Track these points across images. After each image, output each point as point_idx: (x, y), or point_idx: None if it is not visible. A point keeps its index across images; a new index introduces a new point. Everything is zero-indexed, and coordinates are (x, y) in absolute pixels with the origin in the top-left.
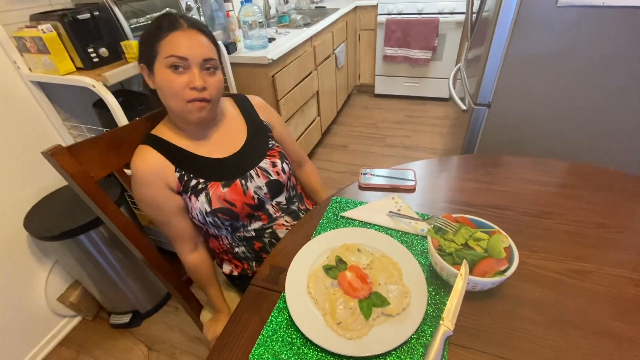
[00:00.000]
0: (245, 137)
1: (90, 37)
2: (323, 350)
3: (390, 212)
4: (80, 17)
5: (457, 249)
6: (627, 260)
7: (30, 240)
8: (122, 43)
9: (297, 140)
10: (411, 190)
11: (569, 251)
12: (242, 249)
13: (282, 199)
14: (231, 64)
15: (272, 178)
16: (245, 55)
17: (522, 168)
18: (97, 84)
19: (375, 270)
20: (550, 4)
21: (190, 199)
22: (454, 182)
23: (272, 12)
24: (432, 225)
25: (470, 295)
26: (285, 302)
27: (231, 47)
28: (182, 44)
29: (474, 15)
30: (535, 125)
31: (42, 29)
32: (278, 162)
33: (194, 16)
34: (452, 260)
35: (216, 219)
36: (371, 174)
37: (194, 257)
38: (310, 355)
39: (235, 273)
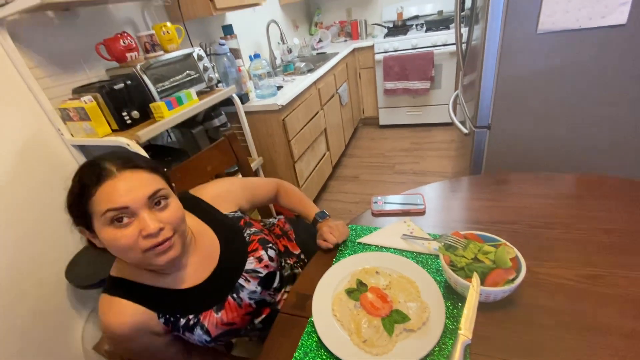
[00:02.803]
0: (219, 244)
1: (123, 102)
2: None
3: (403, 235)
4: (115, 87)
5: (468, 263)
6: (635, 263)
7: (69, 289)
8: (150, 105)
9: (309, 175)
10: (421, 213)
11: (577, 258)
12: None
13: (276, 282)
14: (245, 112)
15: (262, 275)
16: (257, 103)
17: (526, 184)
18: (131, 143)
19: (394, 289)
20: (530, 32)
21: (184, 335)
22: (462, 202)
23: (278, 62)
24: (443, 243)
25: (486, 306)
26: (313, 326)
27: (244, 97)
28: (118, 192)
29: (464, 45)
30: (535, 142)
31: (84, 100)
32: (262, 253)
33: (210, 73)
34: (464, 274)
35: (219, 342)
36: (382, 201)
37: None
38: None
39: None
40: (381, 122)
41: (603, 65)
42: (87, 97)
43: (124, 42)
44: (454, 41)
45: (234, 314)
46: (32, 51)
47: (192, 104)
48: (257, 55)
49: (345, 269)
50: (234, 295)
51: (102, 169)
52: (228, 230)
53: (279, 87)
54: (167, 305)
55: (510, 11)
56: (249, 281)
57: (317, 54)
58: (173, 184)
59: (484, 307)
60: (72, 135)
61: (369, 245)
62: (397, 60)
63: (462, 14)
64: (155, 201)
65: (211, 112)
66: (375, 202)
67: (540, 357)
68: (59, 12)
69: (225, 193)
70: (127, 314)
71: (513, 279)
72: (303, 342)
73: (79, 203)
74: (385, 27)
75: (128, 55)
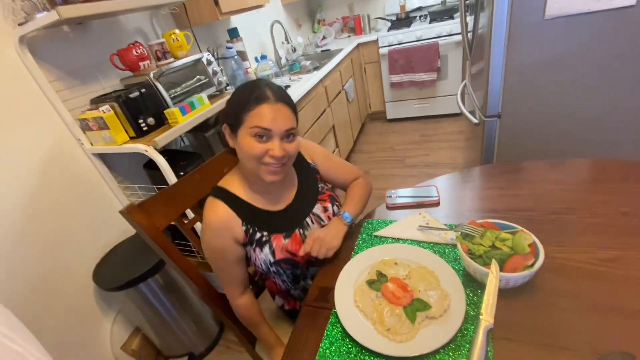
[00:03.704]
0: (297, 185)
1: (139, 110)
2: (378, 355)
3: (419, 226)
4: (131, 95)
5: (486, 251)
6: None
7: (97, 292)
8: (165, 111)
9: None
10: (436, 204)
11: (596, 241)
12: (298, 292)
13: None
14: None
15: (324, 224)
16: None
17: (540, 171)
18: (148, 149)
19: (413, 279)
20: (538, 17)
21: (254, 251)
22: (476, 192)
23: (283, 61)
24: (460, 233)
25: (506, 293)
26: (336, 317)
27: None
28: (268, 116)
29: (470, 34)
30: (548, 129)
31: (103, 110)
32: (329, 206)
33: (219, 76)
34: (483, 262)
35: (279, 268)
36: (396, 195)
37: (244, 300)
38: None
39: (287, 308)
40: (389, 116)
41: (614, 48)
42: (105, 107)
43: (136, 52)
44: (459, 31)
45: (297, 247)
46: (50, 65)
47: (204, 108)
48: (263, 57)
49: (364, 261)
50: (301, 230)
51: (264, 94)
52: (307, 174)
53: (286, 87)
54: (250, 218)
55: None
56: (313, 223)
57: (322, 51)
58: (297, 123)
59: (504, 293)
60: (91, 144)
61: (385, 237)
62: (402, 52)
63: (467, 2)
64: (287, 134)
65: None
66: (390, 196)
67: (561, 340)
68: (73, 26)
69: (311, 149)
70: (221, 211)
71: (532, 265)
72: (328, 332)
73: (238, 110)
74: (388, 20)
75: (141, 64)
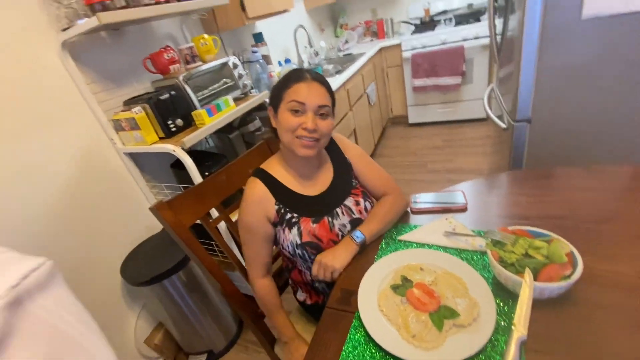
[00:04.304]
0: (332, 176)
1: (169, 111)
2: None
3: (445, 232)
4: (161, 97)
5: (518, 259)
6: None
7: (123, 286)
8: (192, 113)
9: None
10: (463, 210)
11: (638, 253)
12: (322, 285)
13: None
14: None
15: (354, 216)
16: None
17: (576, 177)
18: (176, 149)
19: (440, 286)
20: (574, 18)
21: (283, 231)
22: (506, 198)
23: (306, 65)
24: (490, 239)
25: (540, 304)
26: (359, 320)
27: None
28: (303, 92)
29: (499, 37)
30: (582, 134)
31: (135, 111)
32: (361, 200)
33: (244, 79)
34: (515, 270)
35: (304, 251)
36: (421, 200)
37: (264, 282)
38: None
39: (309, 302)
40: (410, 121)
41: None
42: (137, 108)
43: (167, 56)
44: (485, 34)
45: (324, 233)
46: (88, 68)
47: (229, 110)
48: (287, 61)
49: (388, 265)
50: (329, 218)
51: (302, 73)
52: (343, 168)
53: None
54: (284, 199)
55: None
56: (343, 214)
57: (344, 55)
58: (334, 110)
59: (538, 304)
60: (123, 143)
61: (410, 242)
62: (426, 56)
63: (496, 4)
64: (320, 112)
65: (246, 117)
66: (415, 201)
67: (601, 357)
68: (110, 32)
69: (349, 147)
70: (258, 189)
71: (569, 275)
72: (351, 336)
73: (279, 90)
74: (412, 24)
75: (171, 67)
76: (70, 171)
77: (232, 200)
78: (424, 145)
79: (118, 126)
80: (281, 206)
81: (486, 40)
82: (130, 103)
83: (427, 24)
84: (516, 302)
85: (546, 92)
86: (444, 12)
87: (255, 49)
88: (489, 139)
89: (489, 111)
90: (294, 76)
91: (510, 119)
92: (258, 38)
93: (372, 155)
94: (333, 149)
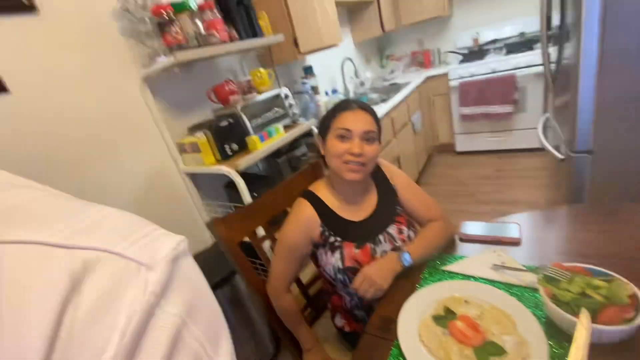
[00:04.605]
0: (376, 201)
1: (226, 137)
2: None
3: (494, 264)
4: (221, 124)
5: (574, 298)
6: None
7: None
8: (246, 138)
9: None
10: (516, 243)
11: None
12: (362, 312)
13: None
14: None
15: (397, 244)
16: None
17: None
18: (231, 171)
19: (486, 321)
20: (635, 44)
21: (325, 254)
22: (563, 233)
23: (352, 95)
24: (542, 275)
25: (598, 349)
26: (399, 349)
27: None
28: (349, 119)
29: (553, 65)
30: None
31: (198, 136)
32: (405, 229)
33: (294, 109)
34: (570, 310)
35: (345, 277)
36: (470, 228)
37: (290, 297)
38: None
39: (347, 329)
40: (458, 149)
41: None
42: (200, 134)
43: (228, 88)
44: (539, 62)
45: (366, 259)
46: (162, 99)
47: (279, 136)
48: (334, 91)
49: (430, 295)
50: (372, 244)
51: (349, 103)
52: (387, 194)
53: None
54: (329, 222)
55: (609, 24)
56: (386, 241)
57: (390, 84)
58: (380, 136)
59: (596, 349)
60: (185, 164)
61: (455, 273)
62: (474, 85)
63: (549, 33)
64: (366, 137)
65: (294, 143)
66: (464, 229)
67: None
68: (182, 67)
69: (395, 173)
70: (306, 210)
71: (632, 319)
72: None
73: (328, 118)
74: (460, 53)
75: (231, 98)
76: (139, 186)
77: (277, 220)
78: (472, 174)
79: (182, 149)
80: (325, 228)
81: (540, 69)
82: (194, 129)
83: (475, 53)
84: (571, 344)
85: (609, 121)
86: (494, 41)
87: (305, 80)
88: (544, 170)
89: (544, 141)
90: (341, 106)
91: (569, 149)
92: (308, 71)
93: (417, 183)
94: (378, 175)
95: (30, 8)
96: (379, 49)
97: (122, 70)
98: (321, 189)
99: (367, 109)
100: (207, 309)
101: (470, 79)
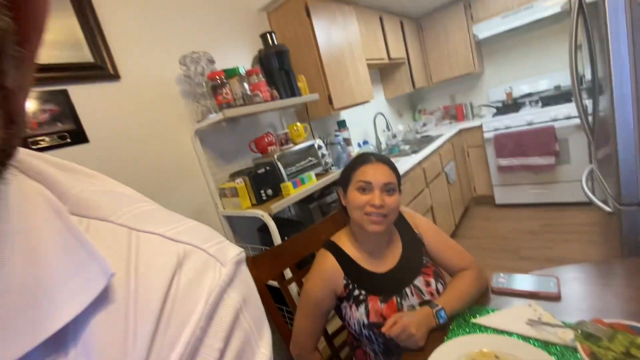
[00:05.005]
0: (401, 252)
1: (263, 183)
2: None
3: (529, 320)
4: (259, 172)
5: (616, 357)
6: None
7: None
8: (281, 184)
9: None
10: (554, 298)
11: None
12: None
13: None
14: None
15: (425, 298)
16: None
17: None
18: (265, 214)
19: None
20: None
21: (350, 308)
22: (609, 289)
23: (383, 146)
24: (580, 331)
25: None
26: None
27: None
28: (369, 172)
29: (591, 117)
30: None
31: (237, 182)
32: (432, 281)
33: (326, 158)
34: None
35: (371, 332)
36: (506, 279)
37: (318, 356)
38: None
39: None
40: (497, 201)
41: None
42: (239, 180)
43: (267, 140)
44: (576, 114)
45: (392, 314)
46: (209, 149)
47: (311, 183)
48: (365, 142)
49: (458, 348)
50: (398, 298)
51: (368, 157)
52: (412, 244)
53: None
54: (353, 274)
55: None
56: (413, 295)
57: (421, 137)
58: (401, 189)
59: None
60: (224, 207)
61: (485, 327)
62: (511, 137)
63: (582, 86)
64: (386, 188)
65: (325, 190)
66: (497, 279)
67: None
68: (228, 122)
69: (420, 221)
70: (329, 261)
71: None
72: None
73: (347, 173)
74: (493, 107)
75: (269, 148)
76: None
77: (305, 264)
78: (515, 228)
79: (222, 193)
80: (349, 281)
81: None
82: (234, 175)
83: (509, 106)
84: None
85: None
86: (529, 94)
87: (338, 133)
88: (596, 225)
89: (589, 194)
90: (360, 160)
91: (616, 202)
92: (341, 124)
93: (453, 236)
94: (402, 225)
95: (116, 77)
96: (411, 103)
97: (179, 124)
98: (343, 240)
99: (386, 161)
100: (255, 304)
101: (505, 131)
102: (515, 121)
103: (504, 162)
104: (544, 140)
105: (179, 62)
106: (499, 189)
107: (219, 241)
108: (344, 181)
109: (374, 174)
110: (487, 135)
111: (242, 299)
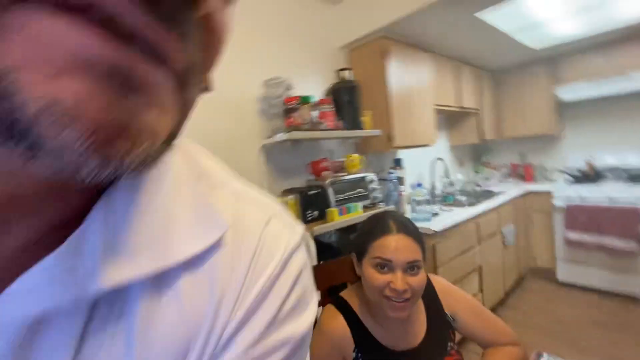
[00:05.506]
0: (425, 331)
1: (311, 204)
2: None
3: None
4: (309, 193)
5: None
6: None
7: None
8: (327, 210)
9: None
10: None
11: None
12: None
13: None
14: None
15: None
16: None
17: None
18: (307, 235)
19: None
20: None
21: None
22: None
23: (438, 192)
24: None
25: None
26: None
27: None
28: (389, 247)
29: None
30: None
31: (288, 199)
32: None
33: (376, 192)
34: None
35: None
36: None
37: None
38: None
39: None
40: (560, 278)
41: None
42: (290, 197)
43: (323, 164)
44: None
45: None
46: (271, 164)
47: (357, 214)
48: (418, 185)
49: None
50: None
51: (387, 226)
52: (439, 324)
53: (434, 214)
54: (364, 347)
55: None
56: None
57: (482, 190)
58: (425, 257)
59: None
60: None
61: None
62: (587, 210)
63: None
64: (410, 266)
65: None
66: (541, 358)
67: None
68: (292, 142)
69: (454, 297)
70: (340, 326)
71: None
72: None
73: (362, 241)
74: (570, 174)
75: (323, 173)
76: None
77: (336, 291)
78: (576, 314)
79: None
80: (360, 355)
81: None
82: (287, 192)
83: (589, 177)
84: None
85: None
86: (614, 168)
87: (392, 171)
88: None
89: None
90: (379, 228)
91: None
92: (397, 162)
93: (501, 305)
94: (428, 293)
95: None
96: (475, 153)
97: (250, 138)
98: (354, 301)
99: (410, 231)
100: (308, 270)
101: (580, 203)
102: (593, 193)
103: (574, 235)
104: (625, 222)
105: (263, 84)
106: (564, 264)
107: (293, 219)
108: (358, 248)
109: (396, 250)
110: (557, 202)
111: (304, 263)
